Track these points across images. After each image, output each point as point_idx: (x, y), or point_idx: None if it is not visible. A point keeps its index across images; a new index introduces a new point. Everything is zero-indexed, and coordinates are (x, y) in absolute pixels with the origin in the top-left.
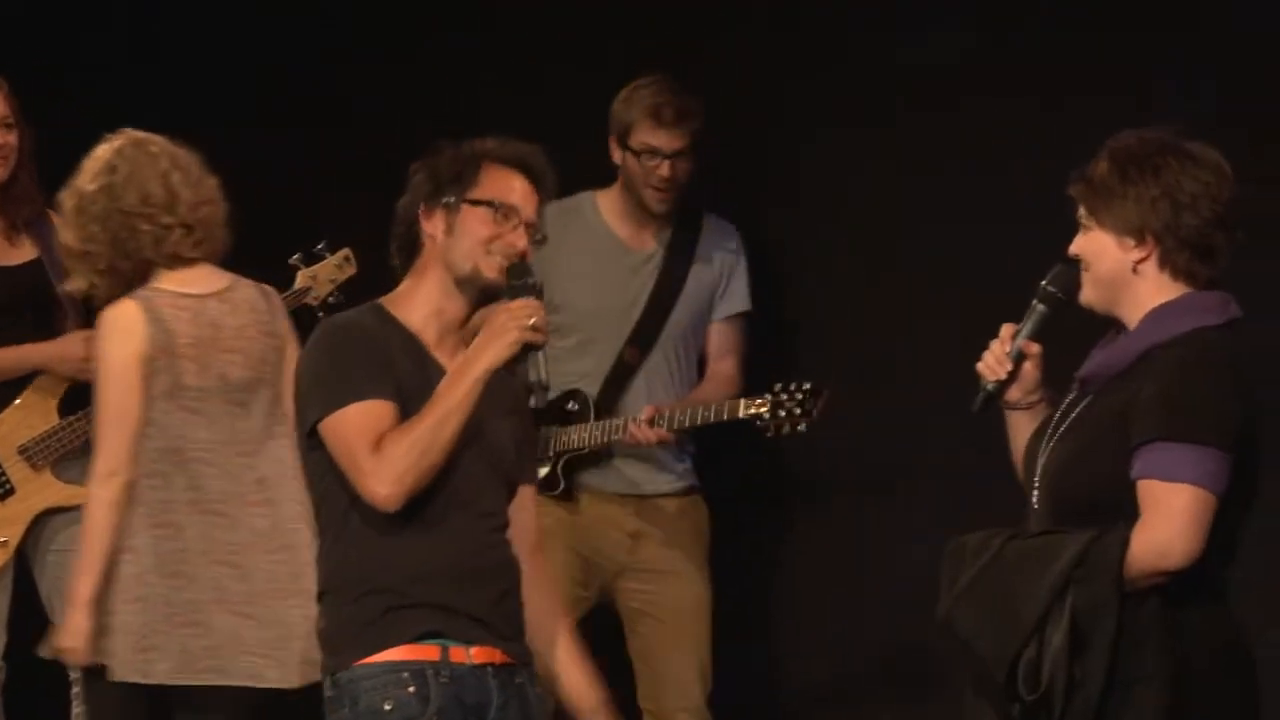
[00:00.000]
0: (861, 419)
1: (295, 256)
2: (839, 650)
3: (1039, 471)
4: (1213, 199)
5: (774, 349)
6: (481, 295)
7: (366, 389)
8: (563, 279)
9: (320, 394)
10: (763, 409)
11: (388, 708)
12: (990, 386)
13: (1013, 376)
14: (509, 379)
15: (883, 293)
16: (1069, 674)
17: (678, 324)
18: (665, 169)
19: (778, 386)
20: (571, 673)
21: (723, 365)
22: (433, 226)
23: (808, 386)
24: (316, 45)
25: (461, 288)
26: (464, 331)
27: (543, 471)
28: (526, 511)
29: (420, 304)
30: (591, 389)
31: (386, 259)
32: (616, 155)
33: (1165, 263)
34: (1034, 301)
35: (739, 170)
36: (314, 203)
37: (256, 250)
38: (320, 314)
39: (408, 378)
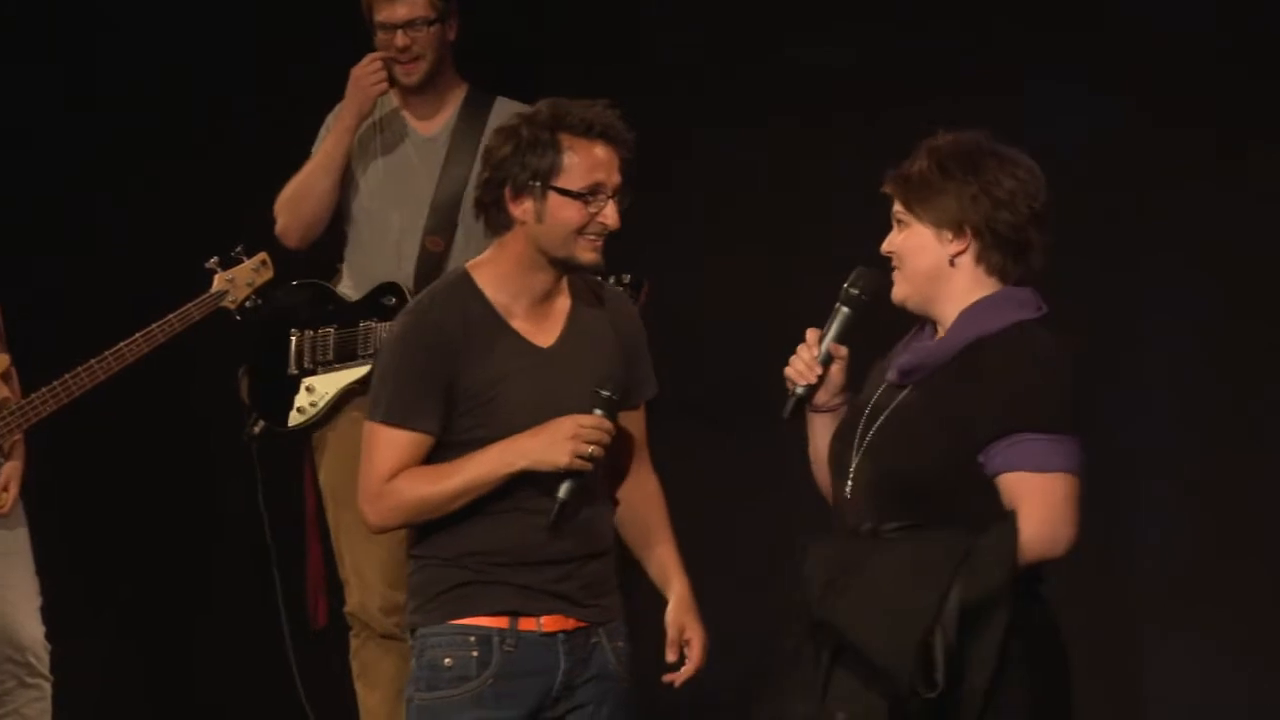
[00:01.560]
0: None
1: (212, 260)
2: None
3: (854, 464)
4: (1029, 198)
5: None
6: (576, 270)
7: (413, 417)
8: (360, 162)
9: (379, 397)
10: None
11: (447, 663)
12: (800, 391)
13: (822, 380)
14: (604, 311)
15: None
16: (959, 671)
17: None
18: (400, 39)
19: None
20: (646, 548)
21: None
22: (521, 211)
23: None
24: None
25: (554, 264)
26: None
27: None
28: (634, 425)
29: (507, 278)
30: (407, 281)
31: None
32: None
33: (981, 258)
34: (837, 304)
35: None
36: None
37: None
38: (238, 317)
39: (482, 362)
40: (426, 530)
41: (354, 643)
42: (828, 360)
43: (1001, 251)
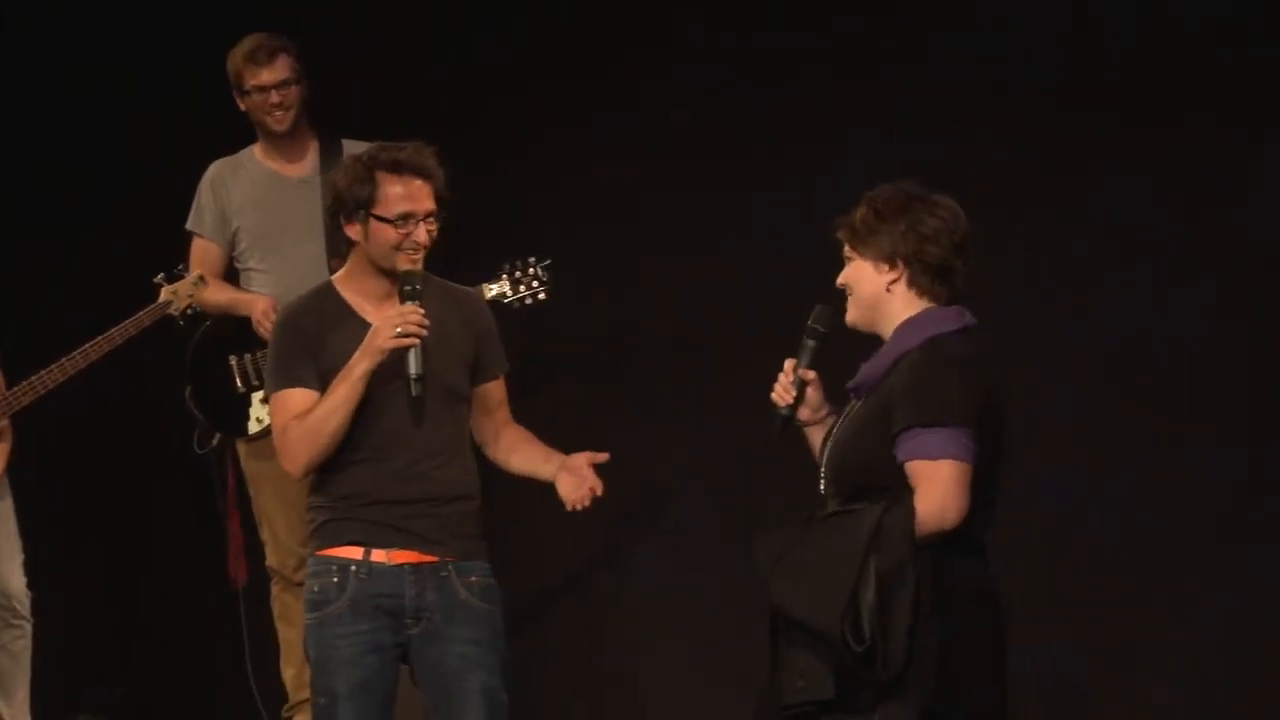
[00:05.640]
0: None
1: (159, 275)
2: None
3: (824, 463)
4: (950, 232)
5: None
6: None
7: (293, 379)
8: (241, 216)
9: (268, 376)
10: (504, 288)
11: (316, 589)
12: (784, 411)
13: (799, 401)
14: (456, 308)
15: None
16: (883, 624)
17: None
18: (274, 97)
19: (507, 265)
20: (523, 456)
21: None
22: (354, 232)
23: (533, 259)
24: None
25: (383, 271)
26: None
27: None
28: (494, 399)
29: (355, 283)
30: None
31: None
32: (242, 105)
33: (912, 283)
34: (804, 338)
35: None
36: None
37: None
38: (180, 323)
39: (336, 342)
40: (314, 481)
41: (274, 589)
42: (801, 384)
43: (929, 276)
